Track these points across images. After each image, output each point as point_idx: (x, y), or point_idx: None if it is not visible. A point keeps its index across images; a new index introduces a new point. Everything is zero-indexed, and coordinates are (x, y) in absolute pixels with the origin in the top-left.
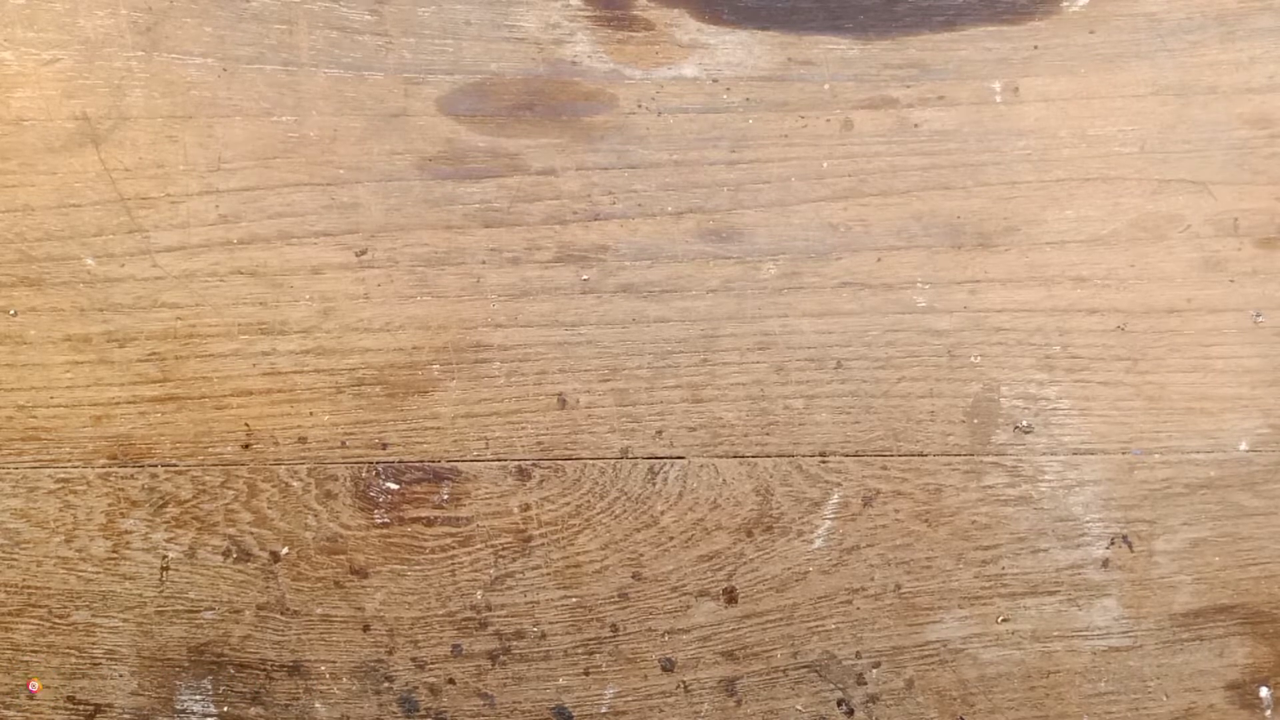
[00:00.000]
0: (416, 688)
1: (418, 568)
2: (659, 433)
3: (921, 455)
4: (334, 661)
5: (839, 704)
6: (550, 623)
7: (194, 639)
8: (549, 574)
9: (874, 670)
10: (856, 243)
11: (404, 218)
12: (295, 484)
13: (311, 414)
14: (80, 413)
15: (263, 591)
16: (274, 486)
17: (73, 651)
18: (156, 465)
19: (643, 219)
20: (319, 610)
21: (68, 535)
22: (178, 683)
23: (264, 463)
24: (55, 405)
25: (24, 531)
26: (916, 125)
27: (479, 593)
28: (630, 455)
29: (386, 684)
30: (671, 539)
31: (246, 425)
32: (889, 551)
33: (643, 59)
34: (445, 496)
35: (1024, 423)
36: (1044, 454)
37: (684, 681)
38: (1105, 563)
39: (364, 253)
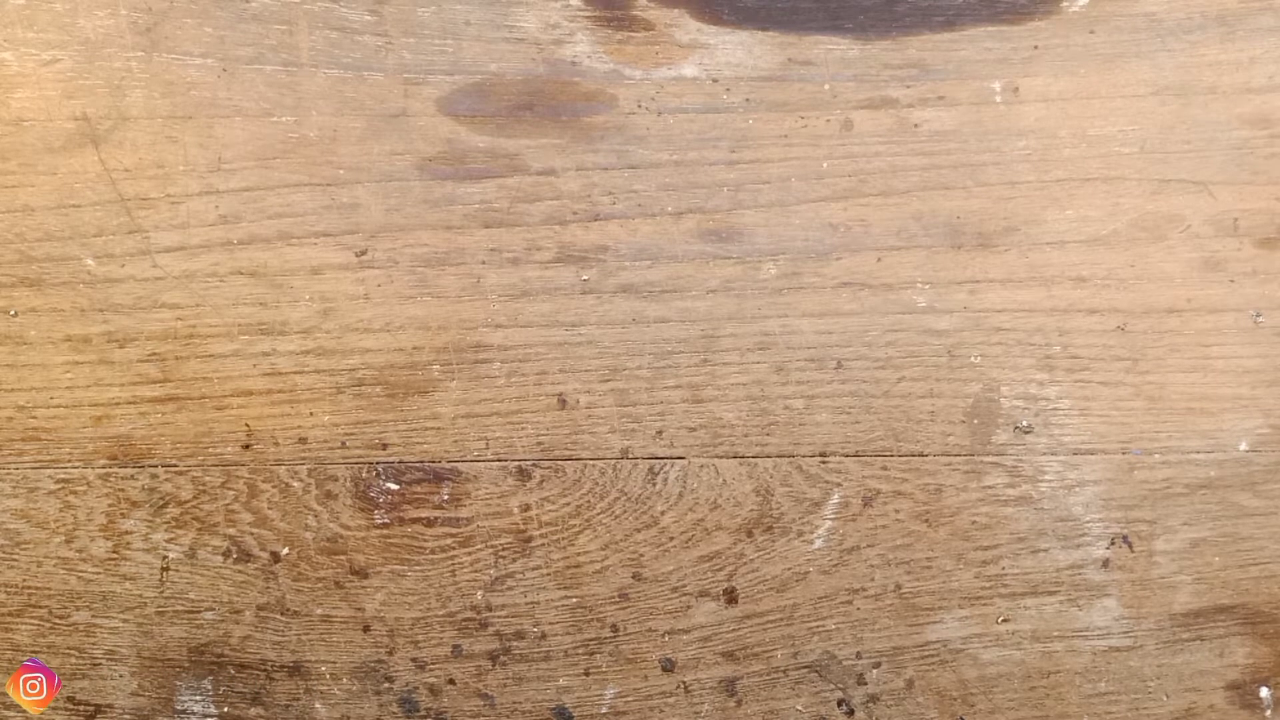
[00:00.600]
0: (417, 688)
1: (418, 568)
2: (659, 433)
3: (921, 455)
4: (334, 662)
5: (839, 704)
6: (550, 623)
7: (194, 639)
8: (549, 574)
9: (874, 670)
10: (856, 243)
11: (404, 218)
12: (295, 484)
13: (311, 414)
14: (80, 413)
15: (263, 592)
16: (274, 487)
17: (73, 652)
18: (157, 466)
19: (643, 219)
20: (319, 611)
21: (68, 535)
22: (178, 683)
23: (264, 463)
24: (55, 406)
25: (24, 532)
26: (916, 125)
27: (479, 593)
28: (630, 455)
29: (387, 684)
30: (672, 539)
31: (247, 425)
32: (889, 552)
33: (643, 59)
34: (445, 497)
35: (1024, 423)
36: (1044, 454)
37: (684, 682)
38: (1105, 563)
39: (364, 253)
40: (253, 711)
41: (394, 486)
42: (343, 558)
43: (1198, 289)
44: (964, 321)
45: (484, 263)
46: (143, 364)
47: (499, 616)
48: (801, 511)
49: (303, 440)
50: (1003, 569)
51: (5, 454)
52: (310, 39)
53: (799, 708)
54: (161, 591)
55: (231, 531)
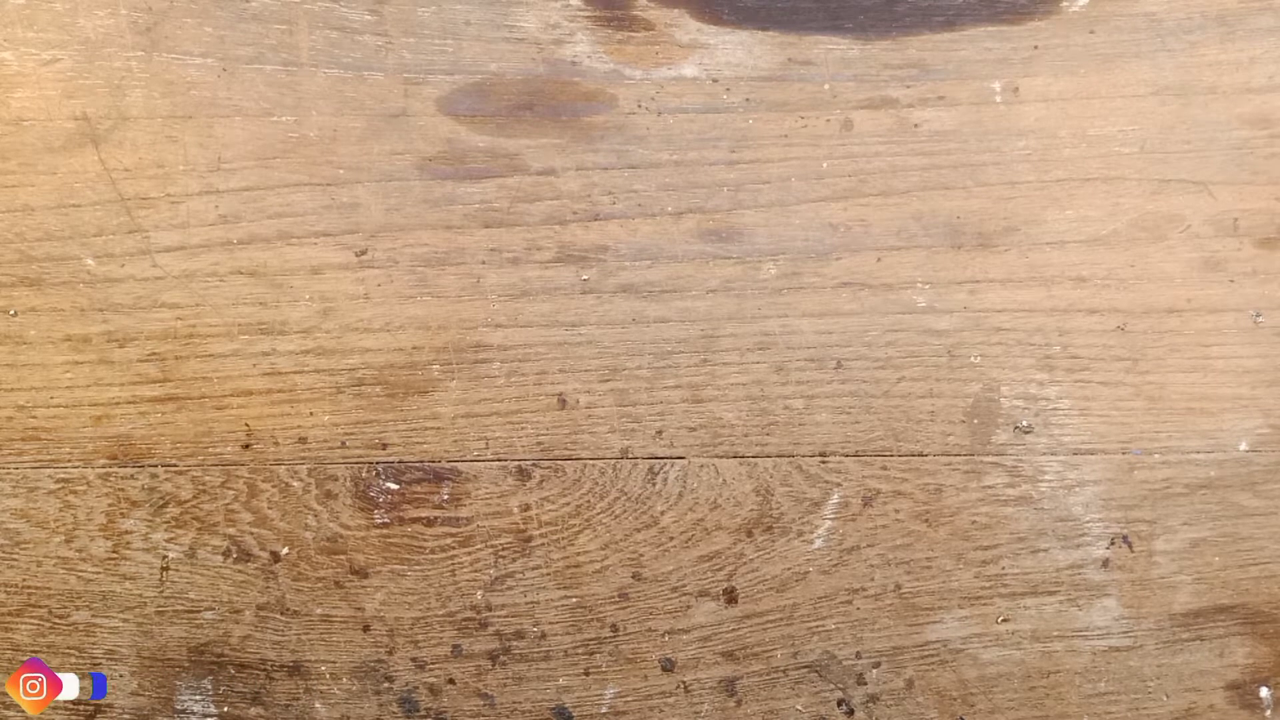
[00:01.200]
0: (416, 688)
1: (418, 568)
2: (659, 433)
3: (921, 455)
4: (334, 661)
5: (839, 704)
6: (550, 623)
7: (194, 639)
8: (549, 574)
9: (874, 670)
10: (856, 243)
11: (404, 218)
12: (295, 484)
13: (311, 414)
14: (80, 413)
15: (263, 591)
16: (274, 486)
17: (73, 651)
18: (156, 465)
19: (643, 219)
20: (319, 610)
21: (68, 535)
22: (178, 683)
23: (264, 463)
24: (55, 405)
25: (24, 531)
26: (916, 125)
27: (479, 593)
28: (630, 455)
29: (386, 684)
30: (671, 539)
31: (246, 425)
32: (889, 551)
33: (643, 59)
34: (445, 496)
35: (1024, 423)
36: (1044, 454)
37: (684, 681)
38: (1105, 563)
39: (364, 253)
40: (253, 711)
41: (394, 486)
42: (343, 557)
43: (1198, 289)
44: (964, 321)
45: (484, 263)
46: (142, 364)
47: (499, 616)
48: (801, 511)
49: (303, 440)
50: (1003, 569)
51: (5, 454)
52: (310, 39)
53: (799, 708)
54: (161, 591)
55: (231, 531)
